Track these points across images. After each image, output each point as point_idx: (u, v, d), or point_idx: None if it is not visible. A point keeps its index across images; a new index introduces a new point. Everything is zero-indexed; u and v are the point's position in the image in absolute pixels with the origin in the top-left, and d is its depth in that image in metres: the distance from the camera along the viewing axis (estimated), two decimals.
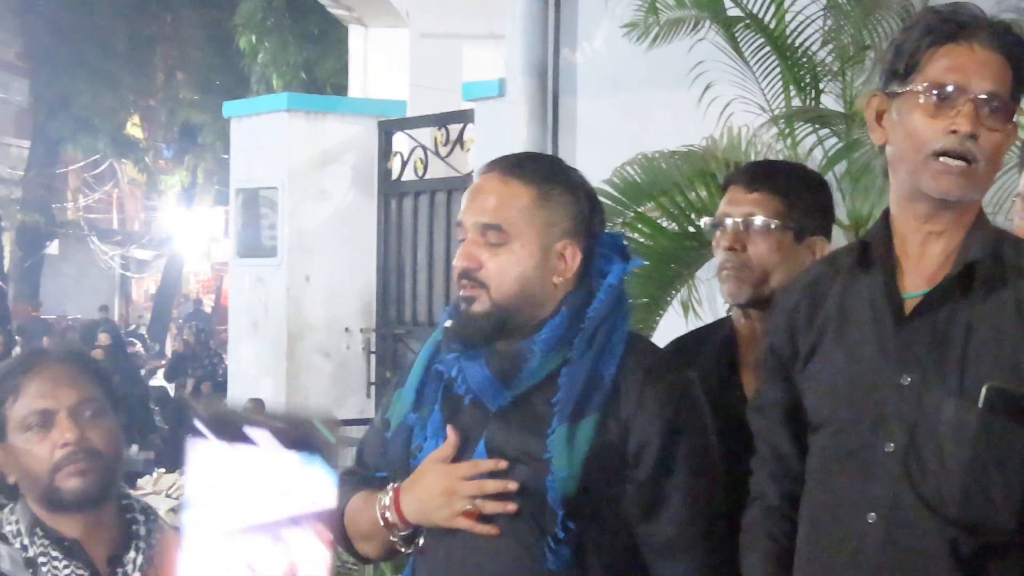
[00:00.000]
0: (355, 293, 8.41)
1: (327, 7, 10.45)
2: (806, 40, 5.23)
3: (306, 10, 15.61)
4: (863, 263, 2.66)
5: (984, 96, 2.50)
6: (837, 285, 2.69)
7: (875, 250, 2.65)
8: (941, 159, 2.50)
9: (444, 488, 2.79)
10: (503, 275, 2.83)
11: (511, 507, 2.75)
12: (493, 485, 2.75)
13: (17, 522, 2.69)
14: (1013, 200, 3.10)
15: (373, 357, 8.49)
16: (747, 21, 5.28)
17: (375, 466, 3.08)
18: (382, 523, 2.86)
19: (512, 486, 2.75)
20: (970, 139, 2.49)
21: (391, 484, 2.90)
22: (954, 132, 2.49)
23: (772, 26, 5.27)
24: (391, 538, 2.90)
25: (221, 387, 10.46)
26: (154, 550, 2.75)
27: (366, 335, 8.44)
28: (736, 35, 5.33)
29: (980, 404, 2.48)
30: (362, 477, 3.09)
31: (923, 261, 2.60)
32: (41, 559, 2.65)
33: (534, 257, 2.85)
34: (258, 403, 7.33)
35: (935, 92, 2.51)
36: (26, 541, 2.67)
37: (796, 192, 3.27)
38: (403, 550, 2.95)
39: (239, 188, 8.60)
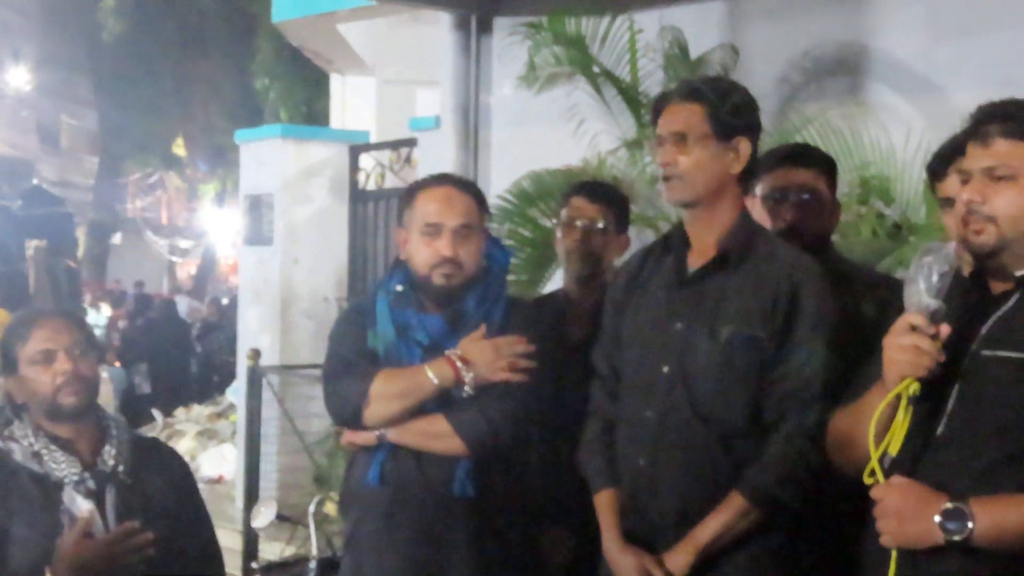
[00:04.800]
0: (332, 271, 8.38)
1: (312, 60, 10.47)
2: (648, 87, 5.37)
3: (307, 60, 15.56)
4: (666, 249, 2.89)
5: (674, 134, 2.75)
6: (650, 263, 2.91)
7: (673, 240, 2.87)
8: (662, 183, 2.81)
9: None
10: (470, 257, 3.01)
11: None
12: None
13: (25, 429, 2.81)
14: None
15: None
16: (605, 75, 5.40)
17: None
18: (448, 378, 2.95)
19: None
20: (669, 166, 2.76)
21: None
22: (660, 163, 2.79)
23: (624, 79, 5.40)
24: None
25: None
26: (124, 446, 2.83)
27: (340, 301, 8.28)
28: (599, 85, 5.46)
29: (722, 341, 2.71)
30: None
31: (701, 247, 2.82)
32: (44, 452, 2.77)
33: (480, 248, 3.06)
34: (257, 352, 7.41)
35: (657, 139, 2.81)
36: (32, 441, 2.78)
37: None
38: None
39: (247, 194, 8.54)
